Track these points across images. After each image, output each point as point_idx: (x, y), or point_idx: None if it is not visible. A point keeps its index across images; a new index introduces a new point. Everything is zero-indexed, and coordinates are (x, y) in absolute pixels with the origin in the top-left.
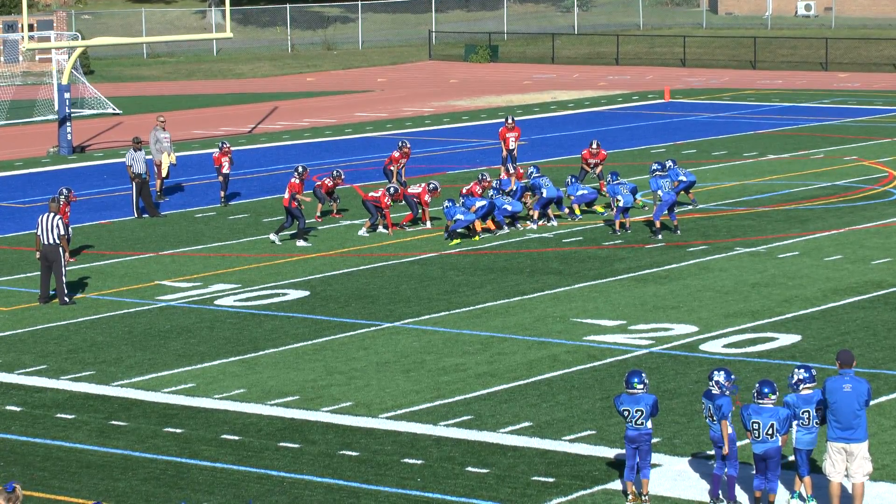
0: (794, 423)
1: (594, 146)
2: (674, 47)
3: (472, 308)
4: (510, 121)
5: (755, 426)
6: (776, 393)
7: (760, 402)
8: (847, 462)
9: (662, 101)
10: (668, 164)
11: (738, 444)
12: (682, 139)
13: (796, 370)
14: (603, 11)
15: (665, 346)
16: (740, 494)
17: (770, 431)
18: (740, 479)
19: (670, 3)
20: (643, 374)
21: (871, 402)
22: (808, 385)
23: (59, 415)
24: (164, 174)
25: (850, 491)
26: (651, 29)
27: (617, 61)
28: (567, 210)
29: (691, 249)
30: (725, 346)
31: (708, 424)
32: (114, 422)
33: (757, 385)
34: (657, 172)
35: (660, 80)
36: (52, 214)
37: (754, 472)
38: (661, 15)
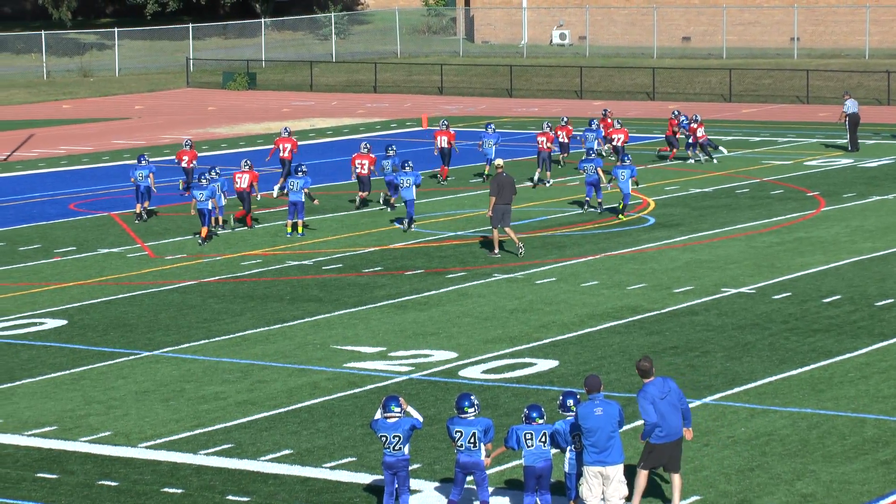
0: (567, 447)
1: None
2: (431, 75)
3: (231, 336)
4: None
5: (528, 437)
6: (544, 417)
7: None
8: (603, 486)
9: (420, 128)
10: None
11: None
12: (438, 166)
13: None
14: (360, 39)
15: (425, 372)
16: None
17: (543, 441)
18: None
19: (427, 31)
20: (399, 399)
21: (629, 426)
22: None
23: None
24: None
25: None
26: (409, 57)
27: (375, 89)
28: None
29: (450, 276)
30: (484, 371)
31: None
32: None
33: (525, 410)
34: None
35: (417, 108)
36: None
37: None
38: (418, 43)
